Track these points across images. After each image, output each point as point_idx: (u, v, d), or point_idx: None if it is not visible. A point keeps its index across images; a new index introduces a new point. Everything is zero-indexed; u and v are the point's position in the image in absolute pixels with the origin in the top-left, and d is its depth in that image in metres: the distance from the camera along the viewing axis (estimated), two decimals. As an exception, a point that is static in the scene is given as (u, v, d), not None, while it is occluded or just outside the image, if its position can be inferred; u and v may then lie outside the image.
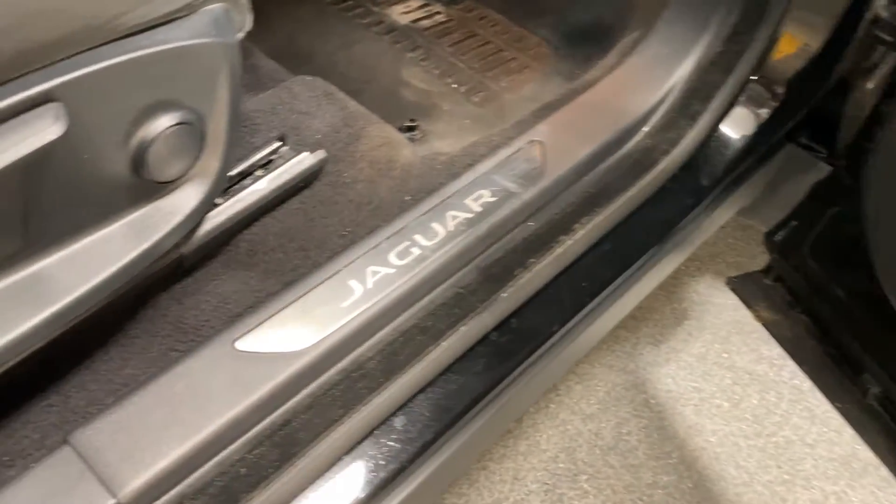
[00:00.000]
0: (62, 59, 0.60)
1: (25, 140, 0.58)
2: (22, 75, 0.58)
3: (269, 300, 0.84)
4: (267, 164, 0.93)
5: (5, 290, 0.65)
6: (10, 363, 0.66)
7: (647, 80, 1.14)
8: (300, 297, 0.84)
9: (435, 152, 1.06)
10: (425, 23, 1.44)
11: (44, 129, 0.59)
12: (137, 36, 0.64)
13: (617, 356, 1.57)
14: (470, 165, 1.01)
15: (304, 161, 0.93)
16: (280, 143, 0.95)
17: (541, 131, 1.06)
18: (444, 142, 1.18)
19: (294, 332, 0.81)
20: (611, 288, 1.04)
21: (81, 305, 0.68)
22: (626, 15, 1.31)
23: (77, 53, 0.61)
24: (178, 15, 0.66)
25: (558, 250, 0.99)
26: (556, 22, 1.42)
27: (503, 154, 1.02)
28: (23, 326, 0.64)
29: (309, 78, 1.07)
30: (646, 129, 1.12)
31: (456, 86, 1.32)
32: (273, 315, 0.82)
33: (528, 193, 0.99)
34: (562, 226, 1.01)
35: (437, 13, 1.47)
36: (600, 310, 1.04)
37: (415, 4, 1.47)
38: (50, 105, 0.59)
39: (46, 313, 0.66)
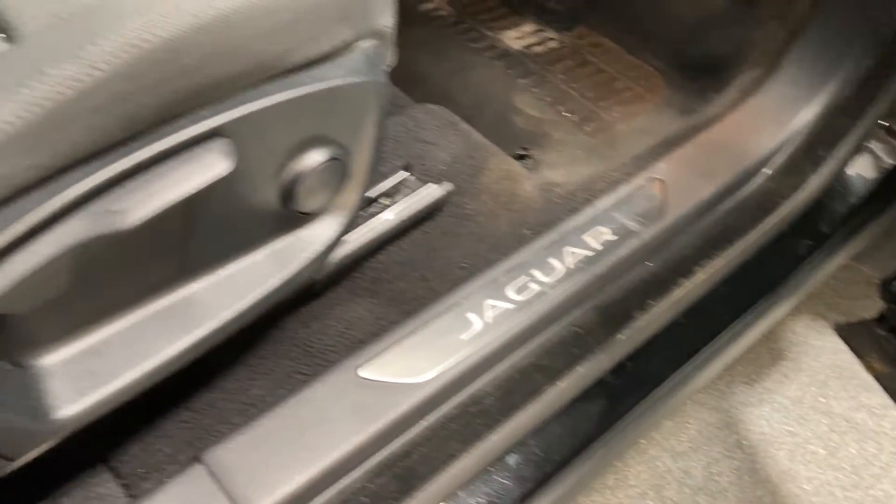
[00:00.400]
0: (231, 95, 0.62)
1: (195, 174, 0.60)
2: (194, 110, 0.60)
3: (391, 329, 0.85)
4: (392, 193, 0.94)
5: (159, 314, 0.67)
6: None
7: (771, 120, 1.11)
8: (421, 327, 0.85)
9: (550, 183, 1.06)
10: (538, 49, 1.43)
11: (213, 165, 0.60)
12: (298, 74, 0.66)
13: (710, 394, 1.53)
14: (588, 201, 1.00)
15: (431, 193, 0.94)
16: (406, 173, 0.96)
17: (661, 169, 1.05)
18: (556, 171, 1.17)
19: (415, 362, 0.82)
20: (726, 333, 1.01)
21: (226, 329, 0.70)
22: (745, 50, 1.27)
23: (243, 89, 0.63)
24: (335, 53, 0.68)
25: (677, 293, 0.97)
26: (670, 53, 1.39)
27: (623, 191, 1.01)
28: (173, 348, 0.67)
29: (433, 106, 1.08)
30: (768, 171, 1.09)
31: (568, 114, 1.31)
32: (395, 344, 0.83)
33: (648, 233, 0.97)
34: (681, 268, 0.99)
35: (550, 39, 1.46)
36: (713, 355, 1.02)
37: (528, 30, 1.47)
38: (219, 140, 0.61)
39: (194, 336, 0.68)
